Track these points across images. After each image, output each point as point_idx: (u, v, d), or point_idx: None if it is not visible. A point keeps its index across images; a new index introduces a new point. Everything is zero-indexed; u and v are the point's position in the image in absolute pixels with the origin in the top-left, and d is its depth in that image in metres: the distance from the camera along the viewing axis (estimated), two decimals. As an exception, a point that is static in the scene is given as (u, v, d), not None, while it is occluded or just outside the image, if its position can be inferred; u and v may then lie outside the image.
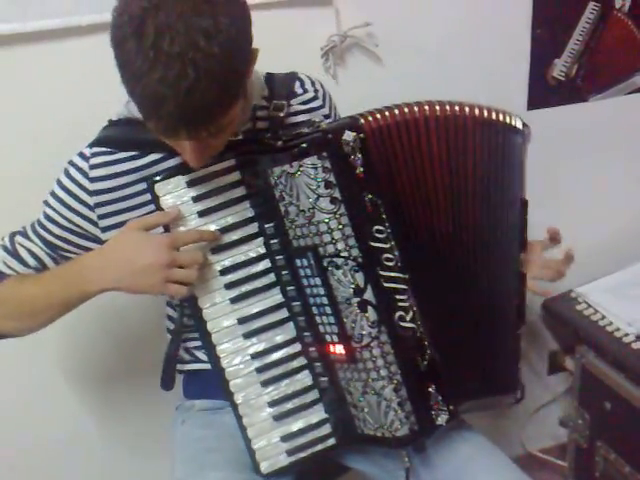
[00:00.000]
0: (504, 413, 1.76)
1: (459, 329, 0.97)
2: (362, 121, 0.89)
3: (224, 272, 0.96)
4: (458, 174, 0.95)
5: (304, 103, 1.05)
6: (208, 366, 1.05)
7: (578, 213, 1.60)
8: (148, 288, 0.90)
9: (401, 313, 0.91)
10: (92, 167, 0.96)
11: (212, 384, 1.02)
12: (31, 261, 1.02)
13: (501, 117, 0.98)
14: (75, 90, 1.22)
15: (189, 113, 0.77)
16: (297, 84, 1.06)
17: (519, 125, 1.01)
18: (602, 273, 1.59)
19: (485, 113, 0.97)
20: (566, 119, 1.54)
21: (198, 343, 1.07)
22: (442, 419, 0.93)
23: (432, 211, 0.94)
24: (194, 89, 0.75)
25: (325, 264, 0.90)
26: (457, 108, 0.95)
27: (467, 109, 0.95)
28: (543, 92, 1.51)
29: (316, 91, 1.08)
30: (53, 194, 0.99)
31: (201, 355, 1.09)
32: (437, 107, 0.93)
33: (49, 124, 1.22)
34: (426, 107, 0.93)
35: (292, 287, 0.96)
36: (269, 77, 1.04)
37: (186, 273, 0.90)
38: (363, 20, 1.31)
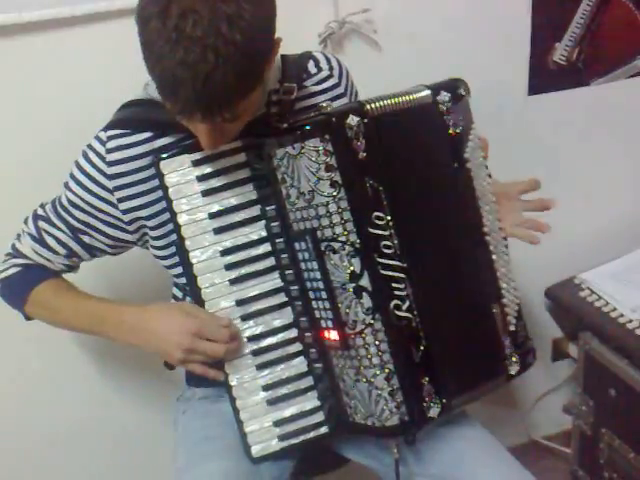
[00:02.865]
0: (508, 401, 1.74)
1: (455, 321, 0.96)
2: (367, 107, 0.89)
3: (225, 253, 0.96)
4: (439, 160, 0.96)
5: (318, 83, 1.04)
6: None
7: (580, 198, 1.57)
8: (166, 359, 0.99)
9: (397, 302, 0.90)
10: (109, 151, 0.97)
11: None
12: (60, 249, 1.04)
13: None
14: (73, 80, 1.23)
15: (205, 98, 0.78)
16: (311, 63, 1.05)
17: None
18: (605, 259, 1.56)
19: None
20: (567, 103, 1.52)
21: None
22: (434, 412, 0.92)
23: (430, 198, 0.94)
24: (212, 75, 0.76)
25: (322, 248, 0.90)
26: None
27: None
28: (544, 77, 1.49)
29: (331, 69, 1.06)
30: (73, 178, 1.01)
31: None
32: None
33: (47, 115, 1.23)
34: (407, 97, 0.93)
35: (291, 271, 0.96)
36: (283, 59, 1.03)
37: (200, 359, 0.96)
38: (361, 6, 1.30)
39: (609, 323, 1.42)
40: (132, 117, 0.99)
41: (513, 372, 0.99)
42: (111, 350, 1.41)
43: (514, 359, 0.99)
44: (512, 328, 1.00)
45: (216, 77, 0.76)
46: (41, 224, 1.04)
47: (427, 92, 0.96)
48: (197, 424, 1.08)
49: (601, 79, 1.53)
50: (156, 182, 0.97)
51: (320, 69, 1.06)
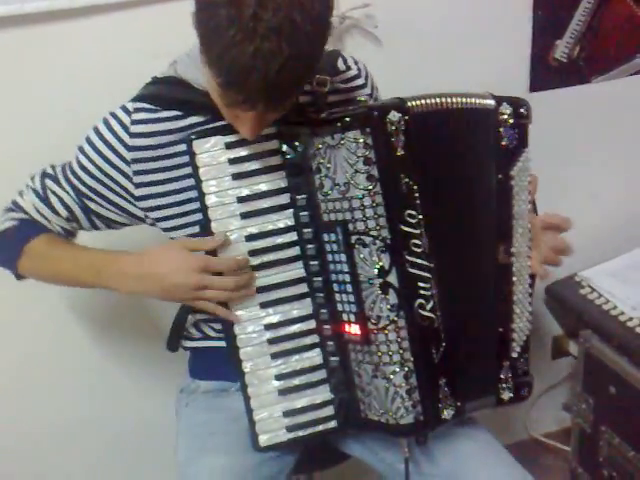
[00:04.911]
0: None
1: (475, 325, 0.96)
2: (410, 104, 0.89)
3: (250, 238, 0.95)
4: (482, 167, 0.96)
5: (346, 81, 1.05)
6: (216, 344, 1.07)
7: (581, 196, 1.58)
8: (177, 301, 0.97)
9: (422, 301, 0.90)
10: (134, 122, 0.97)
11: (219, 364, 1.03)
12: (62, 211, 1.02)
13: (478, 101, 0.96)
14: (74, 72, 1.22)
15: (275, 89, 0.77)
16: (340, 61, 1.05)
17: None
18: (606, 257, 1.57)
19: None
20: (568, 101, 1.52)
21: (208, 315, 1.06)
22: (448, 413, 0.92)
23: (464, 203, 0.94)
24: (285, 66, 0.75)
25: (352, 241, 0.90)
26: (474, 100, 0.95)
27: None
28: (545, 74, 1.50)
29: (359, 70, 1.07)
30: (90, 143, 0.99)
31: (210, 331, 1.08)
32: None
33: (48, 107, 1.22)
34: (462, 99, 0.94)
35: (315, 262, 0.95)
36: None
37: (214, 295, 0.93)
38: (362, 1, 1.29)
39: (609, 321, 1.42)
40: (160, 93, 0.99)
41: (505, 397, 0.99)
42: (113, 339, 1.41)
43: (508, 385, 0.99)
44: (514, 355, 1.00)
45: (288, 69, 0.76)
46: (48, 182, 1.03)
47: (491, 100, 0.96)
48: (200, 418, 1.07)
49: (602, 77, 1.54)
50: (178, 160, 0.97)
51: (349, 67, 1.06)
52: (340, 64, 1.05)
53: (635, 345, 1.36)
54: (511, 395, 0.99)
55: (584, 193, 1.61)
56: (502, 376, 0.98)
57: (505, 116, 0.97)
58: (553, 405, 1.73)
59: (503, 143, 0.97)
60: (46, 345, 1.37)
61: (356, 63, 1.08)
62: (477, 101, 0.95)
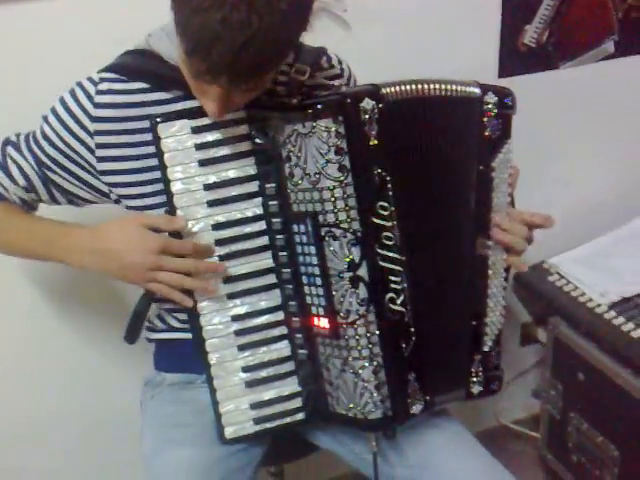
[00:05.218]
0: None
1: (441, 321, 0.94)
2: (384, 90, 0.86)
3: (216, 227, 0.92)
4: (462, 158, 0.93)
5: (328, 79, 1.02)
6: (181, 336, 1.04)
7: (549, 182, 1.57)
8: (131, 282, 0.92)
9: (392, 295, 0.88)
10: (99, 92, 0.93)
11: (184, 356, 1.01)
12: (21, 180, 0.99)
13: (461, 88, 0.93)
14: (32, 55, 1.17)
15: (238, 62, 0.74)
16: (324, 58, 1.03)
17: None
18: (574, 244, 1.57)
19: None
20: (537, 87, 1.51)
21: (172, 305, 1.03)
22: (417, 408, 0.91)
23: (441, 195, 0.92)
24: (253, 40, 0.72)
25: (323, 233, 0.87)
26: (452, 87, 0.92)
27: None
28: (514, 59, 1.49)
29: (342, 70, 1.05)
30: (54, 112, 0.96)
31: (174, 322, 1.05)
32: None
33: (31, 82, 1.17)
34: (444, 86, 0.90)
35: (284, 253, 0.93)
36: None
37: (170, 278, 0.89)
38: None
39: (578, 308, 1.42)
40: (130, 64, 0.95)
41: (475, 391, 0.98)
42: (91, 325, 1.37)
43: (479, 379, 0.97)
44: (486, 349, 0.98)
45: (255, 43, 0.73)
46: (9, 150, 0.99)
47: (476, 88, 0.93)
48: (166, 410, 1.05)
49: (570, 62, 1.54)
50: (143, 137, 0.93)
51: (332, 66, 1.04)
52: (324, 62, 1.03)
53: (603, 331, 1.36)
54: (481, 389, 0.98)
55: (551, 180, 1.60)
56: (473, 370, 0.97)
57: (490, 105, 0.93)
58: (522, 392, 1.73)
59: (486, 133, 0.94)
60: (20, 332, 1.33)
61: (340, 63, 1.06)
62: (461, 89, 0.92)
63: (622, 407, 1.33)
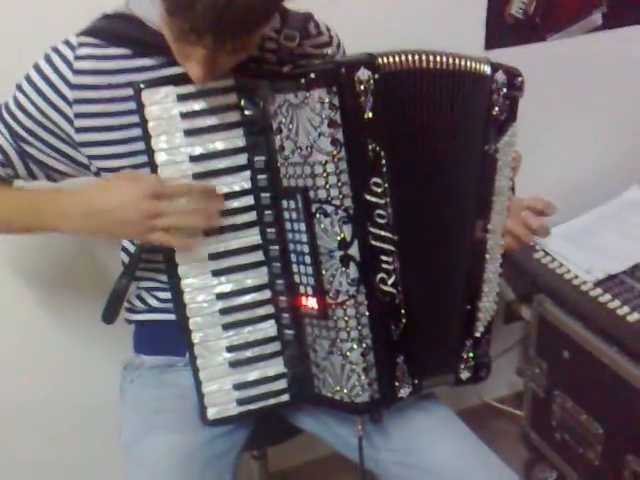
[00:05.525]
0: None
1: (440, 302, 0.92)
2: (380, 60, 0.81)
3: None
4: (466, 137, 0.90)
5: (317, 47, 0.98)
6: (161, 317, 1.01)
7: (534, 157, 1.48)
8: (130, 236, 0.90)
9: (383, 275, 0.85)
10: (78, 58, 0.88)
11: (165, 338, 0.98)
12: None
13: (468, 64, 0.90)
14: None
15: (223, 18, 0.70)
16: (312, 25, 0.99)
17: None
18: (559, 220, 1.54)
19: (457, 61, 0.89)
20: (524, 59, 1.46)
21: (152, 284, 1.00)
22: (404, 392, 0.89)
23: (432, 172, 0.88)
24: None
25: (313, 210, 0.84)
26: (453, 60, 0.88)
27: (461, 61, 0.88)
28: (501, 31, 1.46)
29: (331, 37, 1.01)
30: (29, 80, 0.90)
31: (154, 302, 1.01)
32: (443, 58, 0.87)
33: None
34: (442, 58, 0.86)
35: (273, 229, 0.89)
36: (284, 10, 0.95)
37: (170, 221, 0.84)
38: None
39: (563, 285, 1.41)
40: (110, 28, 0.90)
41: (463, 377, 0.96)
42: (74, 309, 1.33)
43: (468, 364, 0.95)
44: (477, 335, 0.96)
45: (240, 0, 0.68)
46: None
47: (487, 66, 0.89)
48: (146, 395, 1.01)
49: (557, 34, 1.52)
50: (125, 106, 0.89)
51: (320, 33, 0.99)
52: (312, 28, 0.98)
53: (589, 309, 1.35)
54: (469, 375, 0.96)
55: (536, 155, 1.55)
56: (463, 355, 0.95)
57: (498, 84, 0.90)
58: (506, 370, 1.72)
59: (494, 113, 0.90)
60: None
61: (329, 30, 1.01)
62: (469, 64, 0.88)
63: (607, 385, 1.33)
